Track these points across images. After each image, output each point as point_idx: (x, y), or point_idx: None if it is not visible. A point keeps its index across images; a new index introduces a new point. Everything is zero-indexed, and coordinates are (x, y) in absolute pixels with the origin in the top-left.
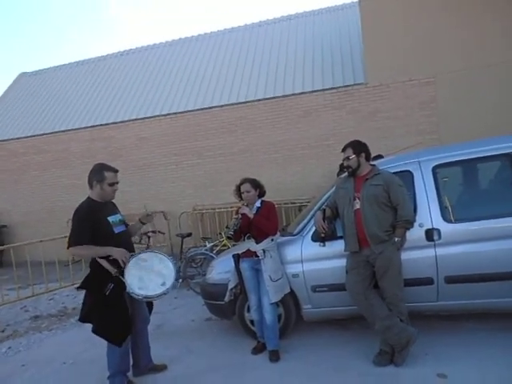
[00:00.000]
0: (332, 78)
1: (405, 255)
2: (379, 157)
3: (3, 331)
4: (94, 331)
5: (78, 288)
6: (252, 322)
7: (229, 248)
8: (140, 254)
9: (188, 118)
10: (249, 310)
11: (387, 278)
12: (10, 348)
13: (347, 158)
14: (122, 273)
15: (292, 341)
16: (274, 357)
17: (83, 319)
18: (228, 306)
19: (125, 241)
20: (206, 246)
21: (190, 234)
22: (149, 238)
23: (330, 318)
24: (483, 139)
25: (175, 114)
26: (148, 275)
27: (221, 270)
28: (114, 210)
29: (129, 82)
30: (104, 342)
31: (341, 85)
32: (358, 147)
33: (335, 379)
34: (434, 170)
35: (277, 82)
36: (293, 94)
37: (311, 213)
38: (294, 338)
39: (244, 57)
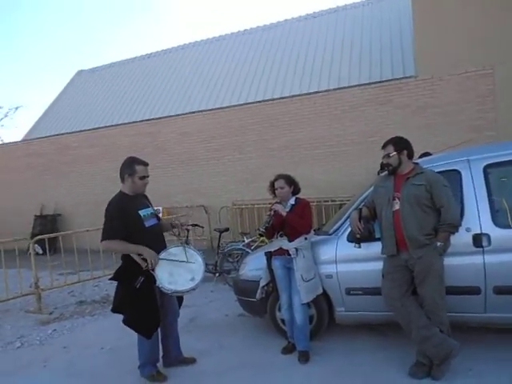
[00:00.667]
0: (380, 71)
1: (448, 261)
2: (427, 154)
3: (51, 313)
4: (125, 322)
5: (110, 279)
6: (283, 321)
7: (267, 244)
8: (170, 248)
9: (230, 112)
10: (280, 309)
11: (427, 285)
12: (55, 330)
13: (387, 156)
14: (153, 266)
15: (324, 343)
16: (304, 358)
17: (115, 310)
18: (259, 304)
19: (156, 234)
20: (243, 241)
21: (227, 229)
22: (188, 231)
23: (363, 322)
24: None
25: (217, 109)
26: (178, 270)
27: (253, 266)
28: (145, 203)
29: (174, 78)
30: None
31: (389, 78)
32: (400, 144)
33: None
34: (486, 169)
35: (321, 76)
36: (337, 89)
37: (348, 212)
38: (326, 340)
39: (288, 51)
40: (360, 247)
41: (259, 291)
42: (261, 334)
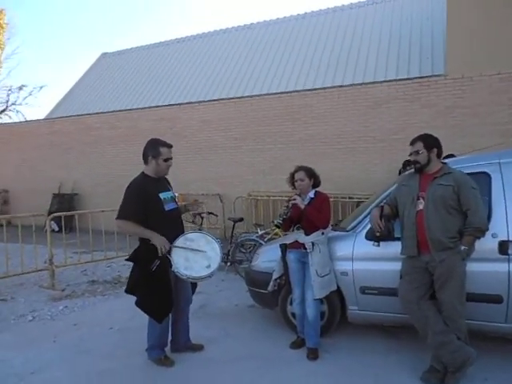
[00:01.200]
0: (407, 68)
1: (471, 266)
2: (451, 156)
3: (63, 290)
4: (137, 304)
5: (126, 259)
6: (294, 315)
7: (280, 237)
8: (188, 233)
9: (252, 102)
10: (291, 303)
11: (447, 290)
12: (66, 307)
13: (416, 152)
14: (169, 251)
15: (334, 341)
16: (313, 355)
17: (128, 291)
18: (271, 296)
19: (175, 219)
20: (257, 232)
21: (241, 219)
22: (202, 218)
23: (376, 322)
24: None
25: (239, 98)
26: (194, 256)
27: (266, 258)
28: (166, 186)
29: (198, 65)
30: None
31: (418, 75)
32: (430, 141)
33: None
34: None
35: (347, 70)
36: (362, 83)
37: (368, 209)
38: (337, 338)
39: (314, 44)
40: (379, 245)
41: (271, 283)
42: (270, 326)
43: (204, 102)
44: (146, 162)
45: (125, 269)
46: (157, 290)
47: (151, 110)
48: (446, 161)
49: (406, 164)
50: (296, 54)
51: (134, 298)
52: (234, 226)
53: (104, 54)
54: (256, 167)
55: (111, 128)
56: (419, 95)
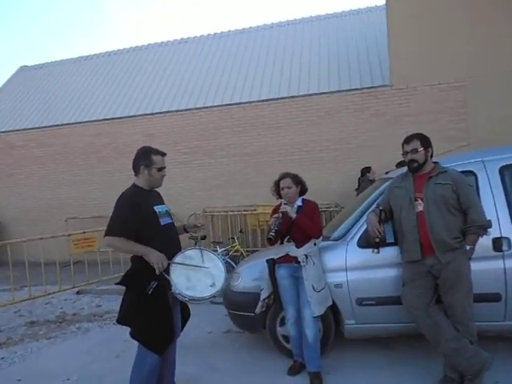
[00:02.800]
0: (359, 79)
1: None
2: (403, 163)
3: None
4: (133, 335)
5: (117, 284)
6: (285, 337)
7: (241, 254)
8: (187, 250)
9: (201, 115)
10: (282, 324)
11: (455, 293)
12: (3, 358)
13: (414, 151)
14: (167, 270)
15: (332, 360)
16: (317, 380)
17: (121, 321)
18: (258, 319)
19: (172, 234)
20: (216, 250)
21: (204, 237)
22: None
23: (375, 335)
24: None
25: (187, 110)
26: (196, 274)
27: (250, 277)
28: (160, 199)
29: (137, 77)
30: (113, 354)
31: (367, 86)
32: (426, 140)
33: None
34: (502, 170)
35: (300, 81)
36: (314, 94)
37: (353, 215)
38: (334, 357)
39: (265, 55)
40: (379, 252)
41: (260, 304)
42: (256, 352)
43: (148, 114)
44: (137, 172)
45: (68, 304)
46: (156, 317)
47: (86, 125)
48: (436, 160)
49: (400, 165)
50: (246, 66)
51: (88, 339)
52: (195, 244)
53: (23, 67)
54: (208, 182)
55: (39, 146)
56: (368, 105)
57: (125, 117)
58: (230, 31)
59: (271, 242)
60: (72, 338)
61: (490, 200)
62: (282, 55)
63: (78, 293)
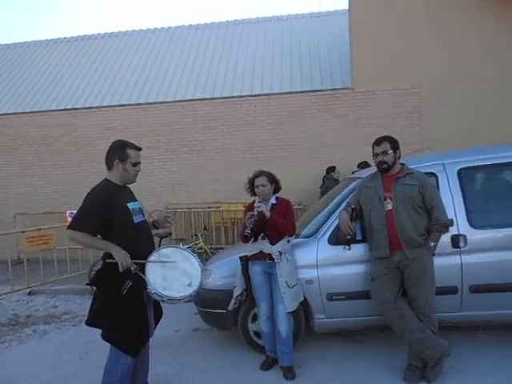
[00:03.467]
0: (321, 81)
1: None
2: (365, 163)
3: None
4: (104, 337)
5: (87, 284)
6: (256, 333)
7: (205, 251)
8: (162, 248)
9: (163, 109)
10: (253, 321)
11: (420, 287)
12: None
13: (384, 153)
14: (142, 269)
15: (303, 354)
16: (290, 373)
17: (92, 322)
18: (230, 316)
19: (146, 232)
20: (176, 246)
21: (170, 234)
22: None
23: (344, 329)
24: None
25: (149, 104)
26: (172, 274)
27: (222, 274)
28: (132, 196)
29: (98, 66)
30: (76, 356)
31: (329, 88)
32: (395, 143)
33: None
34: (460, 173)
35: (264, 80)
36: (278, 93)
37: (323, 213)
38: (304, 351)
39: (228, 51)
40: (350, 249)
41: (233, 301)
42: (227, 349)
43: (106, 107)
44: (110, 167)
45: (20, 306)
46: (129, 317)
47: (38, 115)
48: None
49: (362, 165)
50: (209, 61)
51: (46, 342)
52: (160, 242)
53: None
54: (171, 178)
55: None
56: (331, 106)
57: (81, 108)
58: (193, 25)
59: (246, 239)
60: (28, 341)
61: (449, 200)
62: (245, 52)
63: (29, 293)
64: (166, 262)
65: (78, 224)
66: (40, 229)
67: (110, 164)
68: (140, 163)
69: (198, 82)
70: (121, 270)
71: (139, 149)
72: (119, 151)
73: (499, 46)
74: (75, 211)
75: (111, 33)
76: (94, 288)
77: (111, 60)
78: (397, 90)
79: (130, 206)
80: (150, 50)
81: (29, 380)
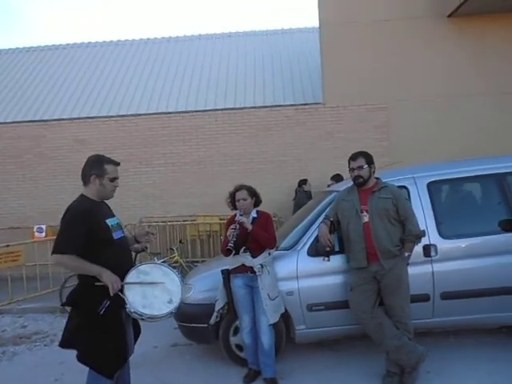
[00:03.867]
0: (293, 95)
1: None
2: (338, 176)
3: None
4: (80, 359)
5: (63, 305)
6: (238, 346)
7: (181, 265)
8: (141, 265)
9: (137, 121)
10: (235, 333)
11: (396, 296)
12: None
13: (360, 167)
14: (121, 288)
15: (284, 365)
16: None
17: (66, 344)
18: (211, 329)
19: (124, 249)
20: (155, 262)
21: (144, 249)
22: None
23: (324, 338)
24: (477, 158)
25: (122, 116)
26: (152, 291)
27: (203, 287)
28: (111, 211)
29: (68, 77)
30: (50, 378)
31: (302, 103)
32: (369, 158)
33: None
34: (429, 186)
35: (237, 93)
36: (252, 107)
37: (301, 226)
38: (285, 362)
39: (201, 64)
40: (329, 260)
41: (215, 315)
42: (208, 363)
43: (77, 118)
44: (86, 182)
45: (1, 325)
46: (107, 338)
47: (4, 127)
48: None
49: (335, 178)
50: (182, 74)
51: (20, 363)
52: (136, 256)
53: None
54: (145, 191)
55: None
56: (304, 120)
57: (50, 120)
58: (165, 38)
59: (229, 252)
60: (9, 361)
61: (420, 211)
62: (217, 66)
63: (62, 306)
64: (152, 283)
65: (62, 247)
66: (8, 245)
67: (86, 179)
68: (118, 178)
69: (170, 94)
70: (111, 293)
71: (117, 164)
72: (96, 166)
73: (458, 64)
74: (43, 226)
75: (81, 43)
76: (68, 308)
77: (81, 70)
78: (365, 105)
79: (109, 222)
80: (121, 61)
81: None
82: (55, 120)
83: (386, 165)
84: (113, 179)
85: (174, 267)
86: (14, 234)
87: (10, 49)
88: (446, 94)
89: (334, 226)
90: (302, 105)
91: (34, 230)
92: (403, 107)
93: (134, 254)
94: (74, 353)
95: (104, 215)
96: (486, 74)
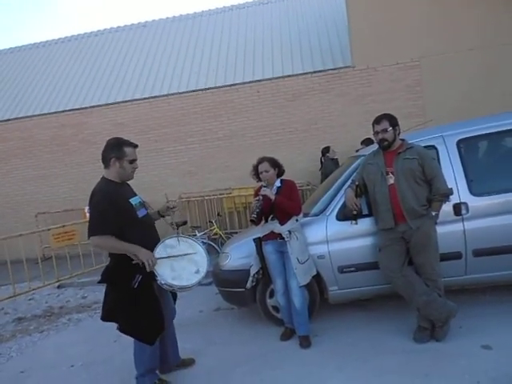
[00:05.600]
0: (321, 61)
1: None
2: (368, 140)
3: None
4: (122, 330)
5: (99, 282)
6: (274, 308)
7: (220, 236)
8: (167, 239)
9: (169, 101)
10: (271, 296)
11: (425, 254)
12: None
13: (384, 131)
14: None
15: (319, 324)
16: (306, 342)
17: (107, 318)
18: (248, 293)
19: (149, 225)
20: (195, 235)
21: (185, 222)
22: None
23: (356, 298)
24: (505, 113)
25: (155, 97)
26: (179, 263)
27: (239, 255)
28: (132, 191)
29: (102, 64)
30: (111, 340)
31: (330, 68)
32: (393, 120)
33: (379, 358)
34: (459, 144)
35: (264, 65)
36: (280, 77)
37: (330, 192)
38: (319, 321)
39: (227, 38)
40: (357, 223)
41: (250, 279)
42: (249, 324)
43: (114, 103)
44: (107, 165)
45: (52, 298)
46: (143, 309)
47: (49, 117)
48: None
49: (366, 142)
50: (209, 50)
51: (81, 329)
52: (177, 230)
53: None
54: (181, 169)
55: (0, 141)
56: (333, 86)
57: (89, 107)
58: (190, 14)
59: (254, 223)
60: (64, 329)
61: (450, 170)
62: (243, 38)
63: (58, 287)
64: (180, 255)
65: (96, 229)
66: (64, 225)
67: (106, 162)
68: (136, 160)
69: (200, 71)
70: (148, 269)
71: (135, 146)
72: (116, 149)
73: (495, 13)
74: (86, 207)
75: (110, 28)
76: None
77: (113, 56)
78: (397, 64)
79: (132, 201)
80: (150, 43)
81: (71, 362)
82: (94, 107)
83: (418, 125)
84: (132, 161)
85: (214, 239)
86: (68, 215)
87: (46, 41)
88: (482, 45)
89: (361, 190)
90: (330, 70)
91: (86, 211)
92: (437, 63)
93: (176, 226)
94: None
95: (127, 195)
96: None
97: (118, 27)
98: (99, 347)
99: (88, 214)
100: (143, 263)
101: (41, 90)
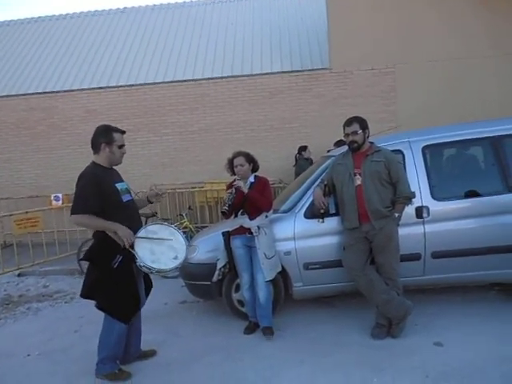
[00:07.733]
0: (300, 61)
1: None
2: (341, 142)
3: None
4: (100, 307)
5: (80, 260)
6: (240, 302)
7: (190, 230)
8: (149, 225)
9: (145, 91)
10: (237, 290)
11: (386, 254)
12: None
13: (354, 133)
14: (131, 245)
15: (283, 319)
16: (269, 331)
17: (86, 295)
18: (214, 287)
19: (133, 211)
20: (162, 223)
21: (154, 214)
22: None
23: (320, 295)
24: (469, 122)
25: (131, 86)
26: (159, 248)
27: (206, 248)
28: (119, 176)
29: (77, 47)
30: (71, 329)
31: (308, 68)
32: (364, 123)
33: (338, 352)
34: (424, 150)
35: (244, 61)
36: (258, 74)
37: (299, 190)
38: (283, 316)
39: (207, 31)
40: (324, 222)
41: (217, 273)
42: (213, 318)
43: (87, 89)
44: (96, 150)
45: (12, 287)
46: (121, 288)
47: (17, 99)
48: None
49: (338, 143)
50: (189, 42)
51: (40, 318)
52: (146, 221)
53: None
54: (154, 160)
55: None
56: (310, 86)
57: (61, 91)
58: (171, 4)
59: (225, 215)
60: (23, 318)
61: (414, 175)
62: (224, 33)
63: (19, 275)
64: (160, 239)
65: (79, 207)
66: (27, 212)
67: (96, 148)
68: (125, 145)
69: (177, 63)
70: (126, 246)
71: (123, 132)
72: (105, 135)
73: (467, 24)
74: (60, 194)
75: (87, 12)
76: (85, 266)
77: (89, 40)
78: (372, 70)
79: (118, 186)
80: (128, 29)
81: (27, 351)
82: (66, 91)
83: (388, 129)
84: (121, 146)
85: (184, 232)
86: (33, 202)
87: (17, 20)
88: (456, 56)
89: (329, 190)
90: (308, 70)
91: (52, 198)
92: (411, 71)
93: (144, 219)
94: (91, 308)
95: (113, 180)
96: (496, 34)
97: (96, 11)
98: (59, 337)
99: (54, 202)
100: (124, 245)
101: (9, 70)
